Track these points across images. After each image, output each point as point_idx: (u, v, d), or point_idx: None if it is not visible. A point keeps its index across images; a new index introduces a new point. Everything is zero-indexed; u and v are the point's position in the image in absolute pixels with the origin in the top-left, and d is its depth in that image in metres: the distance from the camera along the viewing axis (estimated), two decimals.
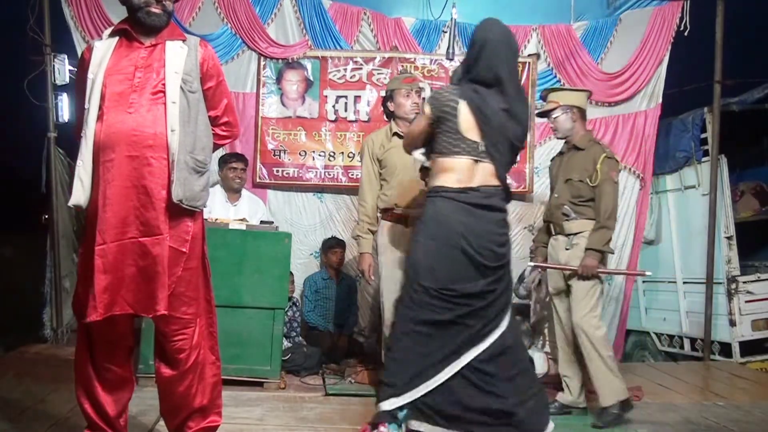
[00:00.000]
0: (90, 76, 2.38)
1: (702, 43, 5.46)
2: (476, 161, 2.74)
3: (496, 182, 2.76)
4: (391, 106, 3.78)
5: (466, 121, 2.74)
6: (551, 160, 4.01)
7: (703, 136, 5.61)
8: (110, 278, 2.28)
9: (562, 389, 4.11)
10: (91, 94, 2.35)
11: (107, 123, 2.34)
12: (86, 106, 2.35)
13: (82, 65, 2.48)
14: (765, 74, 5.96)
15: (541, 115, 3.85)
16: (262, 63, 5.16)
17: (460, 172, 2.74)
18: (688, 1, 5.31)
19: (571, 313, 3.57)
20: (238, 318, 3.84)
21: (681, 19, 5.32)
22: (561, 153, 3.84)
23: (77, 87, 2.50)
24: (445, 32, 5.14)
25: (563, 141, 3.80)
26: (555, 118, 3.70)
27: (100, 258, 2.27)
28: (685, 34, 5.32)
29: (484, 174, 2.75)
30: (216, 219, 4.14)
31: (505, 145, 2.77)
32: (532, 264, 3.80)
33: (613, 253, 3.61)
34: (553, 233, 3.75)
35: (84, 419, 2.50)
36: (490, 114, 2.73)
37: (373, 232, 3.78)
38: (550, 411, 3.49)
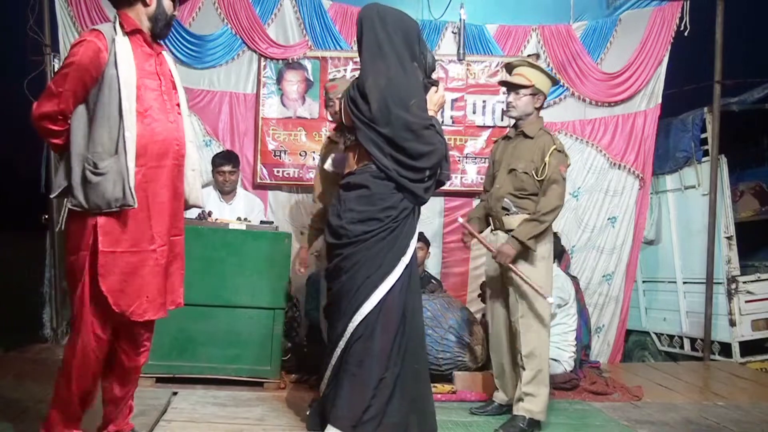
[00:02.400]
0: (122, 72, 2.35)
1: (702, 43, 5.46)
2: (353, 146, 2.77)
3: (367, 161, 2.69)
4: None
5: (343, 112, 2.82)
6: (494, 142, 3.75)
7: (703, 136, 5.62)
8: (165, 277, 2.51)
9: (566, 389, 4.13)
10: (128, 94, 2.36)
11: (155, 130, 2.44)
12: (125, 106, 2.34)
13: (97, 53, 2.35)
14: (765, 74, 5.97)
15: (505, 84, 3.54)
16: (263, 63, 5.15)
17: (350, 162, 2.79)
18: (688, 1, 5.31)
19: (509, 314, 3.41)
20: (238, 318, 3.84)
21: (681, 19, 5.31)
22: (507, 137, 3.57)
23: (78, 72, 2.33)
24: (455, 33, 5.14)
25: (512, 124, 3.55)
26: (521, 97, 3.39)
27: (163, 258, 2.48)
28: (685, 34, 5.31)
29: (360, 156, 2.73)
30: (216, 219, 4.14)
31: (364, 122, 2.67)
32: (461, 220, 3.49)
33: (535, 251, 3.29)
34: (493, 228, 3.50)
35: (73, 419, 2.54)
36: (353, 95, 2.74)
37: (318, 230, 3.70)
38: (487, 412, 3.49)
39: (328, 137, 3.70)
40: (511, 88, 3.43)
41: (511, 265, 3.30)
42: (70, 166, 2.38)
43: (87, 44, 2.36)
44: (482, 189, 3.77)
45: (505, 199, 3.36)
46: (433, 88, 2.81)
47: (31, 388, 3.55)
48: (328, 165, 3.28)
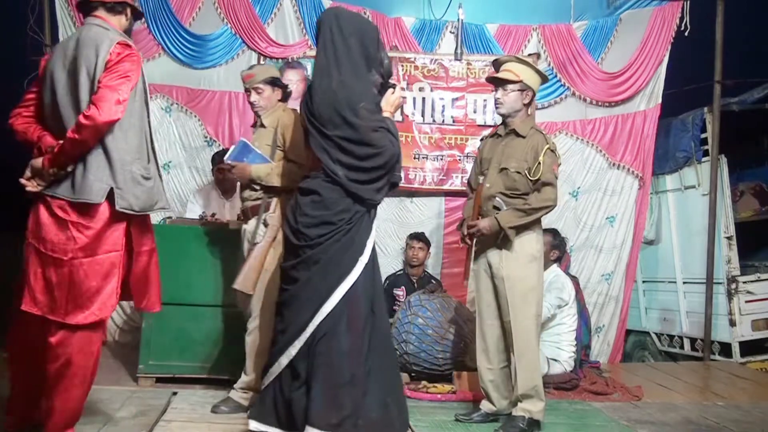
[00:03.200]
0: (146, 86, 2.70)
1: (702, 43, 5.46)
2: (309, 151, 2.79)
3: (320, 165, 2.70)
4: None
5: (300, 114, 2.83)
6: (481, 140, 3.66)
7: (703, 136, 5.62)
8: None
9: (566, 389, 4.11)
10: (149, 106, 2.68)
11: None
12: (152, 117, 2.64)
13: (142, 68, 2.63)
14: (765, 74, 5.97)
15: (493, 80, 3.44)
16: (262, 63, 5.16)
17: (309, 163, 2.85)
18: (688, 1, 5.31)
19: (502, 317, 3.31)
20: (238, 318, 3.84)
21: (681, 19, 5.32)
22: (497, 135, 3.46)
23: (134, 85, 2.56)
24: (453, 33, 5.15)
25: (501, 122, 3.44)
26: (508, 92, 3.31)
27: (156, 256, 2.72)
28: (685, 34, 5.32)
29: (315, 159, 2.76)
30: (216, 218, 4.14)
31: (315, 126, 2.70)
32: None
33: (511, 240, 3.22)
34: None
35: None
36: (306, 99, 2.77)
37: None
38: (473, 420, 3.40)
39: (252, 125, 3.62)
40: (499, 83, 3.36)
41: (470, 241, 3.32)
42: (113, 169, 2.47)
43: (138, 58, 2.56)
44: (467, 184, 3.67)
45: (497, 198, 3.27)
46: (390, 90, 2.82)
47: None
48: (227, 157, 3.35)
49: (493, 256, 3.32)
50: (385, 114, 2.76)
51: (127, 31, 2.70)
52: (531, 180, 3.24)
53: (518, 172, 3.25)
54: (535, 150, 3.25)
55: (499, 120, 5.12)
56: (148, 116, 2.64)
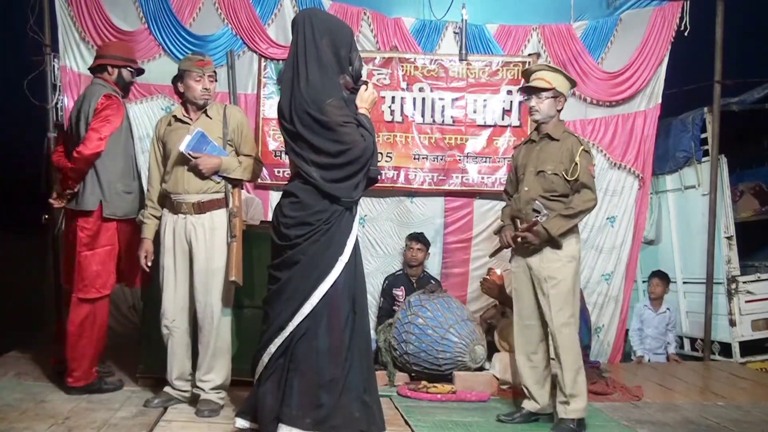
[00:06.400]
0: None
1: (702, 43, 5.46)
2: (288, 156, 2.87)
3: (298, 169, 2.76)
4: (180, 87, 3.45)
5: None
6: (515, 148, 3.73)
7: (703, 136, 5.63)
8: None
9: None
10: None
11: None
12: (134, 145, 3.72)
13: None
14: (765, 74, 5.98)
15: (526, 89, 3.56)
16: (263, 64, 5.15)
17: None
18: (688, 1, 5.31)
19: (542, 316, 3.38)
20: (238, 318, 3.84)
21: (681, 19, 5.31)
22: (530, 141, 3.58)
23: (114, 122, 3.61)
24: (456, 33, 5.16)
25: (535, 128, 3.56)
26: (543, 100, 3.43)
27: None
28: (685, 34, 5.31)
29: (291, 164, 2.86)
30: None
31: (286, 128, 2.75)
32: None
33: (560, 248, 3.32)
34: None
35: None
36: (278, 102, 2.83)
37: (158, 218, 3.51)
38: (515, 420, 3.44)
39: (174, 115, 3.49)
40: (533, 92, 3.47)
41: (513, 239, 3.40)
42: (102, 187, 3.54)
43: (118, 105, 3.58)
44: (503, 192, 3.78)
45: (537, 202, 3.36)
46: (363, 87, 2.84)
47: (31, 388, 3.56)
48: (184, 147, 3.25)
49: (533, 258, 3.38)
50: (361, 110, 2.79)
51: (121, 81, 3.62)
52: (568, 181, 3.34)
53: (555, 174, 3.35)
54: (570, 152, 3.36)
55: (499, 121, 5.20)
56: (133, 145, 3.67)
